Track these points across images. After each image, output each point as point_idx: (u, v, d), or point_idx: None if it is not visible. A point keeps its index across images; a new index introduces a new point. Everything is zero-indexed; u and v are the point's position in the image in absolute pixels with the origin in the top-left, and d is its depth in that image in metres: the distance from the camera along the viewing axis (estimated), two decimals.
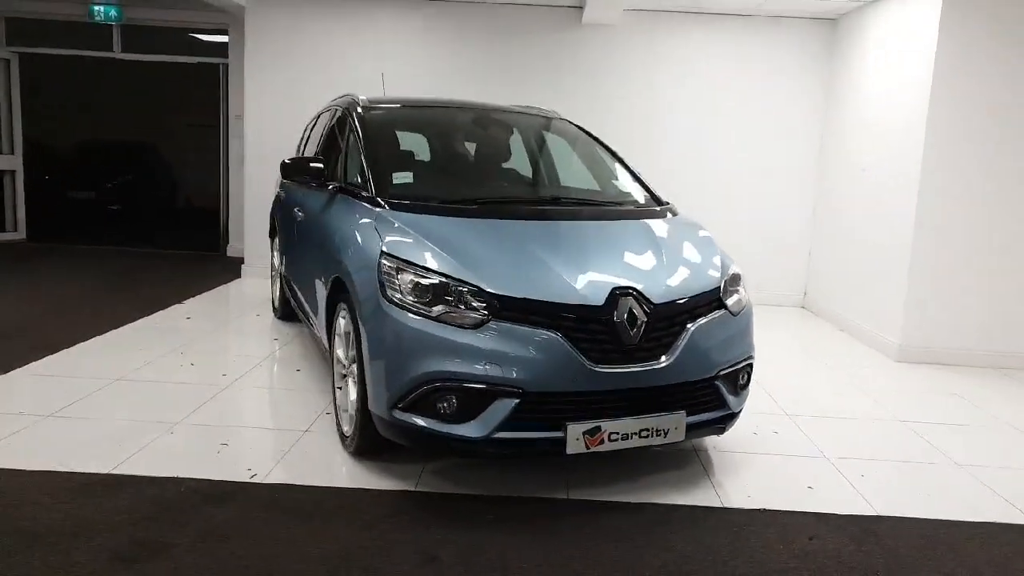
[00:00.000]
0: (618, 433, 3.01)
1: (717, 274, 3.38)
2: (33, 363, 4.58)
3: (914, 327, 5.54)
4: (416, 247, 3.16)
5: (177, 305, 6.34)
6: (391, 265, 3.11)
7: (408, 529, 2.87)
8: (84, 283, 7.12)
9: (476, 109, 4.62)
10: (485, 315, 2.93)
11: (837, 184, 6.87)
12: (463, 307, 2.95)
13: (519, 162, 4.33)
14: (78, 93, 9.29)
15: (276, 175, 7.27)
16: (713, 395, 3.25)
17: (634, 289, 3.07)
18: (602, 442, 3.00)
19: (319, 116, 5.63)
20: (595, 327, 2.97)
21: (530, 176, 4.27)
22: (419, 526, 2.90)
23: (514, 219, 3.46)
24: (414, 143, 4.39)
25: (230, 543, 2.70)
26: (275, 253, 6.05)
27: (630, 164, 4.32)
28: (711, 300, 3.27)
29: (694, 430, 3.21)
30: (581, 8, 7.11)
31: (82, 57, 9.03)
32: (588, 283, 3.05)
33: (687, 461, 3.60)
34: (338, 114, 4.79)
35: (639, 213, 3.78)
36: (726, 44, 7.20)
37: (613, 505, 3.14)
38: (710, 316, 3.23)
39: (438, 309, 2.97)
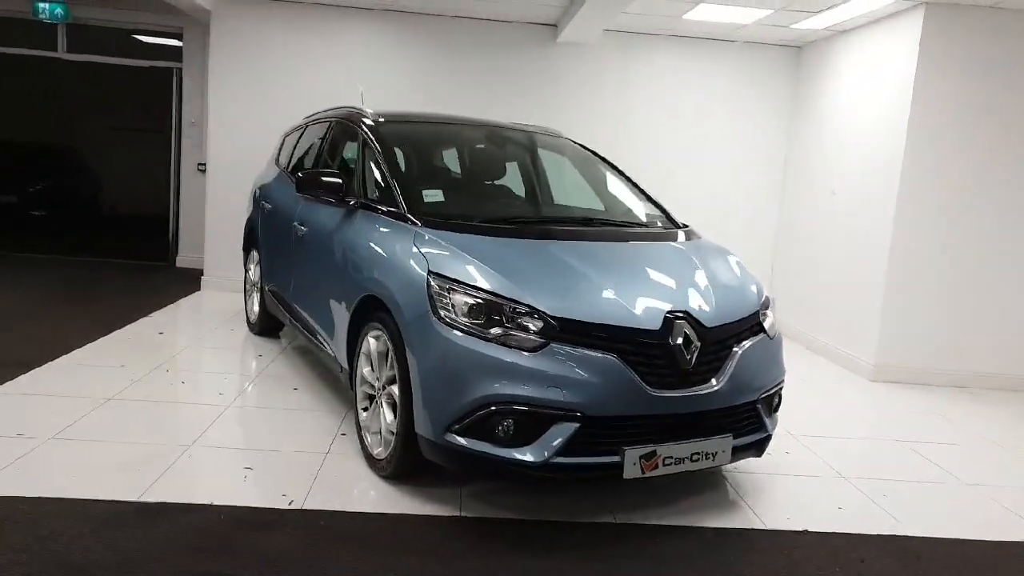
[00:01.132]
0: (672, 457, 3.02)
1: (755, 298, 3.45)
2: (8, 383, 4.27)
3: (888, 348, 5.79)
4: (465, 267, 3.10)
5: (143, 319, 6.02)
6: (442, 285, 3.04)
7: (469, 555, 2.80)
8: (29, 295, 6.69)
9: (487, 127, 4.59)
10: (544, 337, 2.89)
11: (803, 206, 7.14)
12: (521, 329, 2.91)
13: (540, 181, 4.32)
14: (17, 94, 8.76)
15: (244, 185, 7.12)
16: (754, 418, 3.30)
17: (687, 312, 3.10)
18: (657, 467, 3.00)
19: (306, 127, 5.48)
20: (652, 351, 2.98)
21: (553, 196, 4.25)
22: (478, 553, 2.83)
23: (553, 240, 3.43)
24: (435, 160, 4.32)
25: (290, 574, 2.57)
26: (252, 266, 5.83)
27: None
28: (753, 324, 3.33)
29: (738, 453, 3.25)
30: (555, 26, 7.18)
31: (24, 56, 8.51)
32: (643, 306, 3.06)
33: (713, 483, 3.64)
34: (340, 126, 4.67)
35: (668, 235, 3.82)
36: (696, 67, 7.39)
37: (662, 529, 3.15)
38: (752, 340, 3.29)
39: (496, 331, 2.92)
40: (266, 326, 5.70)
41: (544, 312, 2.93)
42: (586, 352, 2.90)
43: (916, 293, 5.76)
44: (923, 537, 3.25)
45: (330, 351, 4.02)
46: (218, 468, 3.40)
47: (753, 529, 3.20)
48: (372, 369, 3.50)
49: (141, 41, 8.73)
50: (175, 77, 8.58)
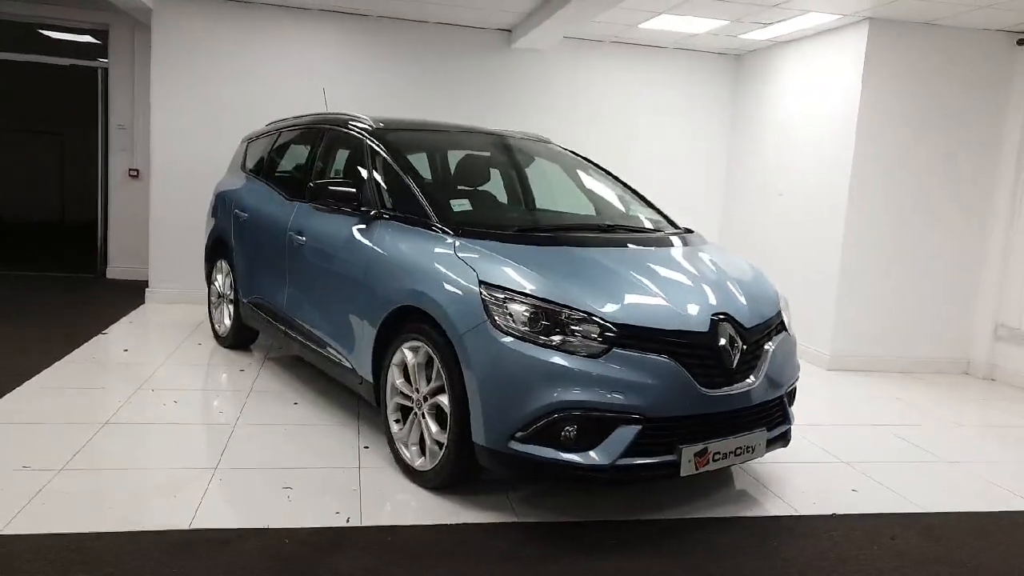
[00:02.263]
0: (720, 453, 3.17)
1: (776, 297, 3.66)
2: None
3: (842, 338, 6.20)
4: (517, 276, 3.14)
5: (99, 337, 5.69)
6: (496, 295, 3.07)
7: (550, 560, 2.85)
8: None
9: (485, 134, 4.62)
10: (606, 343, 2.98)
11: (747, 206, 7.51)
12: (583, 335, 2.99)
13: (552, 189, 4.38)
14: None
15: (193, 193, 6.84)
16: (782, 411, 3.50)
17: (728, 314, 3.25)
18: (708, 463, 3.14)
19: (279, 133, 5.34)
20: (703, 352, 3.12)
21: (568, 203, 4.32)
22: (555, 556, 2.89)
23: (589, 246, 3.51)
24: (447, 169, 4.30)
25: None
26: (220, 277, 5.62)
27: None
28: (778, 322, 3.54)
29: (770, 445, 3.44)
30: (509, 32, 7.26)
31: None
32: (691, 309, 3.19)
33: (734, 475, 3.82)
34: (333, 133, 4.59)
35: (688, 240, 3.96)
36: (642, 74, 7.62)
37: (708, 522, 3.29)
38: (778, 337, 3.49)
39: (557, 338, 2.98)
40: (239, 339, 5.51)
41: (604, 318, 3.01)
42: (645, 356, 3.00)
43: (865, 287, 6.19)
44: (934, 512, 3.54)
45: (346, 363, 3.95)
46: (255, 490, 3.30)
47: (788, 516, 3.39)
48: (409, 381, 3.48)
49: (49, 37, 8.19)
50: (100, 77, 8.11)
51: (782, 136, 6.97)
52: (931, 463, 4.23)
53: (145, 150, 7.88)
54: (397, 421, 3.61)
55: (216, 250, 5.70)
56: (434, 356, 3.28)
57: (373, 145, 4.12)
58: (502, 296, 3.08)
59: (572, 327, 3.00)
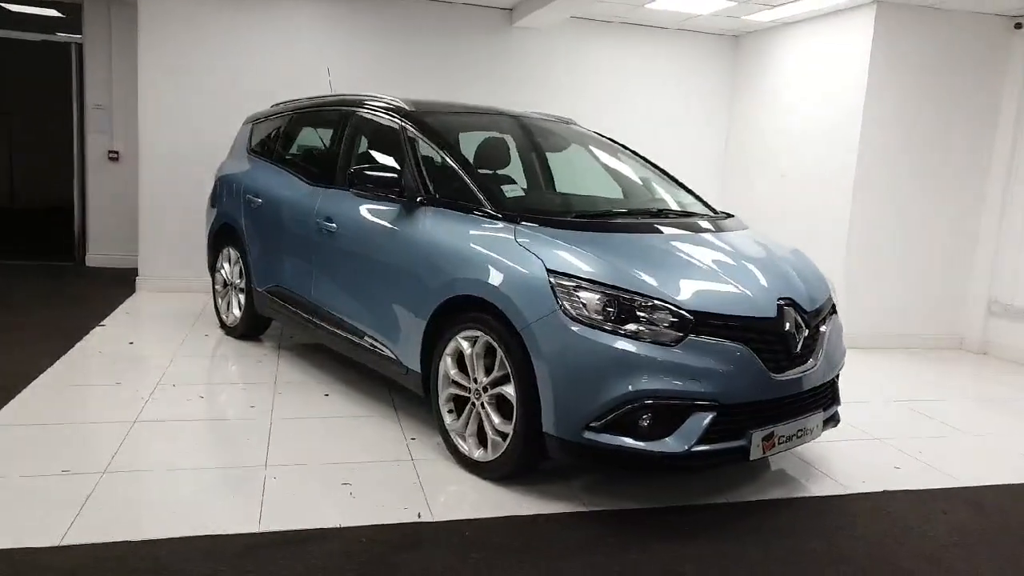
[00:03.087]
0: (783, 436, 3.18)
1: (825, 281, 3.68)
2: None
3: (851, 316, 6.30)
4: (586, 264, 3.09)
5: (97, 329, 5.47)
6: (566, 283, 3.02)
7: (632, 548, 2.84)
8: None
9: (517, 117, 4.54)
10: (682, 331, 2.96)
11: (747, 185, 7.56)
12: (658, 323, 2.96)
13: (588, 174, 4.31)
14: None
15: (185, 177, 6.60)
16: (833, 392, 3.55)
17: (791, 299, 3.26)
18: (773, 447, 3.15)
19: (292, 115, 5.16)
20: (771, 337, 3.12)
21: (613, 188, 4.25)
22: (636, 544, 2.87)
23: (646, 232, 3.46)
24: (490, 153, 4.17)
25: None
26: (227, 266, 5.45)
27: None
28: (830, 305, 3.56)
29: (824, 426, 3.47)
30: (510, 11, 7.13)
31: None
32: (759, 295, 3.19)
33: (781, 455, 3.84)
34: (360, 117, 4.44)
35: (738, 224, 3.94)
36: (641, 53, 7.57)
37: (768, 504, 3.31)
38: (831, 320, 3.52)
39: (632, 327, 2.95)
40: (250, 329, 5.36)
41: (679, 305, 2.98)
42: (719, 343, 2.99)
43: (870, 267, 6.30)
44: (977, 486, 3.63)
45: (387, 353, 3.86)
46: (314, 487, 3.20)
47: (840, 495, 3.43)
48: (464, 371, 3.42)
49: (8, 11, 7.77)
50: (74, 53, 7.73)
51: (783, 117, 7.01)
52: (959, 437, 4.33)
53: (125, 131, 7.58)
54: (450, 412, 3.54)
55: (222, 237, 5.52)
56: (496, 346, 3.22)
57: (411, 128, 4.00)
58: (571, 284, 3.02)
59: (646, 315, 2.96)
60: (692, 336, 2.96)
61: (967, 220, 6.47)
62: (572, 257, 3.13)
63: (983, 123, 6.33)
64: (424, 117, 4.07)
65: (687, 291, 3.05)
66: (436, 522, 2.96)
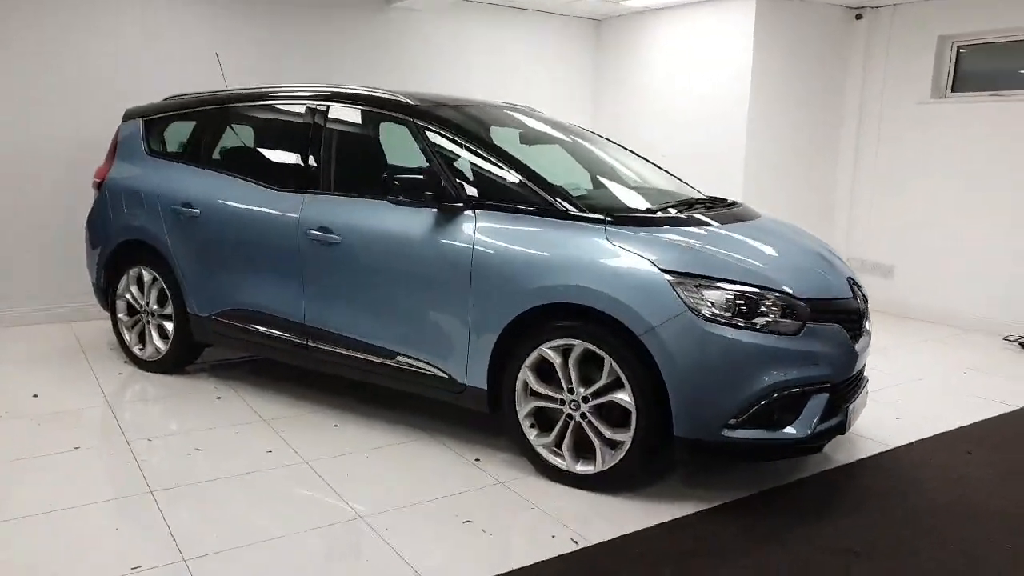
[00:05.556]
0: (854, 410, 3.39)
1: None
2: None
3: None
4: (701, 261, 3.06)
5: None
6: (690, 283, 2.98)
7: (786, 535, 2.91)
8: None
9: (516, 111, 4.35)
10: (801, 319, 3.04)
11: None
12: (783, 314, 3.02)
13: (605, 166, 4.19)
14: None
15: (38, 187, 5.45)
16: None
17: (852, 277, 3.49)
18: (856, 418, 3.38)
19: (221, 107, 4.47)
20: (853, 315, 3.33)
21: (634, 179, 4.15)
22: (784, 531, 2.95)
23: (713, 224, 3.43)
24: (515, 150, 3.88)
25: None
26: (133, 290, 4.64)
27: None
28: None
29: None
30: None
31: None
32: (833, 276, 3.38)
33: None
34: (336, 112, 3.97)
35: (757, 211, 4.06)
36: (512, 35, 7.50)
37: (827, 475, 3.51)
38: None
39: (761, 320, 2.99)
40: (179, 362, 4.61)
41: (794, 294, 3.06)
42: (826, 326, 3.13)
43: None
44: (974, 423, 4.15)
45: (434, 372, 3.54)
46: (437, 530, 2.89)
47: (879, 453, 3.75)
48: (552, 383, 3.24)
49: None
50: None
51: (658, 100, 7.37)
52: (922, 383, 4.87)
53: None
54: (532, 426, 3.35)
55: (125, 256, 4.66)
56: (602, 354, 3.09)
57: (430, 126, 3.65)
58: (693, 283, 2.98)
59: (771, 307, 3.01)
60: (810, 323, 3.06)
61: (824, 190, 7.28)
62: (683, 255, 3.08)
63: (835, 103, 7.16)
64: (439, 112, 3.74)
65: (793, 280, 3.14)
66: (596, 545, 2.81)
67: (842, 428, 3.25)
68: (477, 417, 3.64)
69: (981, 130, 6.28)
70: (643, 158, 4.52)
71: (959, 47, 6.60)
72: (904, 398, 4.54)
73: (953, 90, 6.65)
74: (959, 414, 4.31)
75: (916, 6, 6.66)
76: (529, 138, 4.14)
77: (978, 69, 6.56)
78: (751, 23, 6.50)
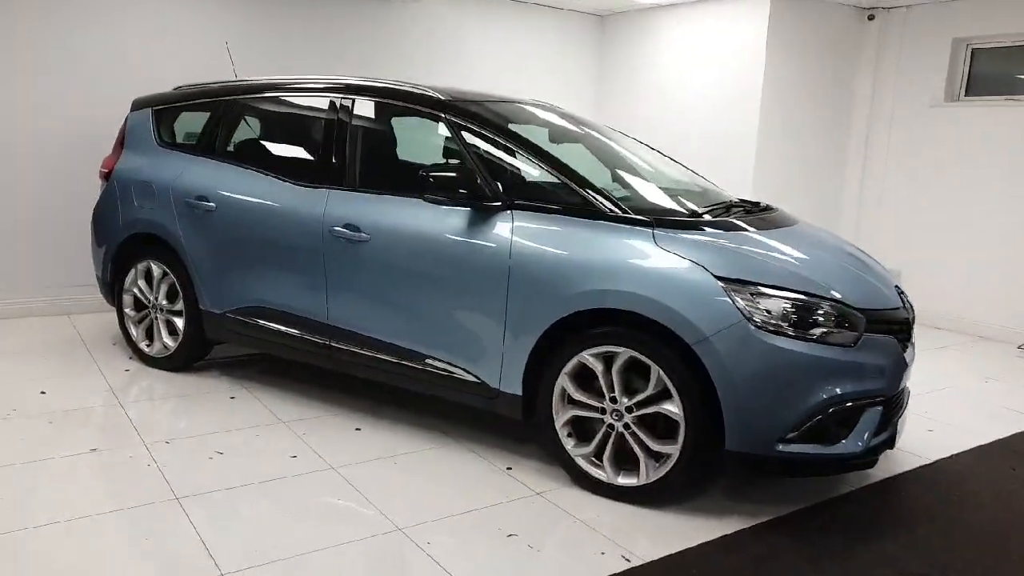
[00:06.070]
0: (902, 424, 3.32)
1: None
2: None
3: None
4: (758, 268, 2.96)
5: None
6: (747, 291, 2.87)
7: (847, 555, 2.82)
8: None
9: (536, 106, 4.20)
10: (858, 330, 2.95)
11: None
12: (840, 325, 2.92)
13: (629, 164, 4.05)
14: None
15: (32, 181, 5.25)
16: None
17: (899, 286, 3.41)
18: (902, 432, 3.29)
19: (233, 98, 4.30)
20: (903, 326, 3.24)
21: (667, 180, 4.03)
22: (843, 549, 2.87)
23: (757, 230, 3.31)
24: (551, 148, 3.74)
25: None
26: (141, 284, 4.47)
27: None
28: None
29: None
30: None
31: None
32: (883, 286, 3.30)
33: None
34: (359, 105, 3.82)
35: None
36: (516, 28, 7.34)
37: (871, 488, 3.44)
38: None
39: (818, 330, 2.89)
40: (190, 359, 4.44)
41: (851, 304, 2.96)
42: (880, 337, 3.04)
43: None
44: (1012, 435, 4.09)
45: (465, 376, 3.41)
46: (488, 547, 2.77)
47: (922, 466, 3.67)
48: (592, 391, 3.13)
49: None
50: None
51: (664, 96, 7.25)
52: (965, 393, 4.81)
53: None
54: (570, 435, 3.23)
55: (135, 249, 4.47)
56: (649, 362, 2.98)
57: (466, 123, 3.51)
58: (750, 291, 2.88)
59: (829, 317, 2.91)
60: (867, 334, 2.97)
61: (832, 195, 7.21)
62: (738, 261, 2.98)
63: (844, 104, 7.09)
64: (473, 108, 3.60)
65: (847, 289, 3.05)
66: (648, 563, 2.70)
67: (891, 443, 3.16)
68: (502, 422, 3.52)
69: (995, 135, 6.23)
70: (671, 159, 4.40)
71: (973, 49, 6.55)
72: (932, 408, 4.46)
73: (967, 93, 6.60)
74: (992, 426, 4.25)
75: (930, 7, 6.60)
76: (557, 135, 4.01)
77: (993, 72, 6.51)
78: (764, 22, 6.40)
